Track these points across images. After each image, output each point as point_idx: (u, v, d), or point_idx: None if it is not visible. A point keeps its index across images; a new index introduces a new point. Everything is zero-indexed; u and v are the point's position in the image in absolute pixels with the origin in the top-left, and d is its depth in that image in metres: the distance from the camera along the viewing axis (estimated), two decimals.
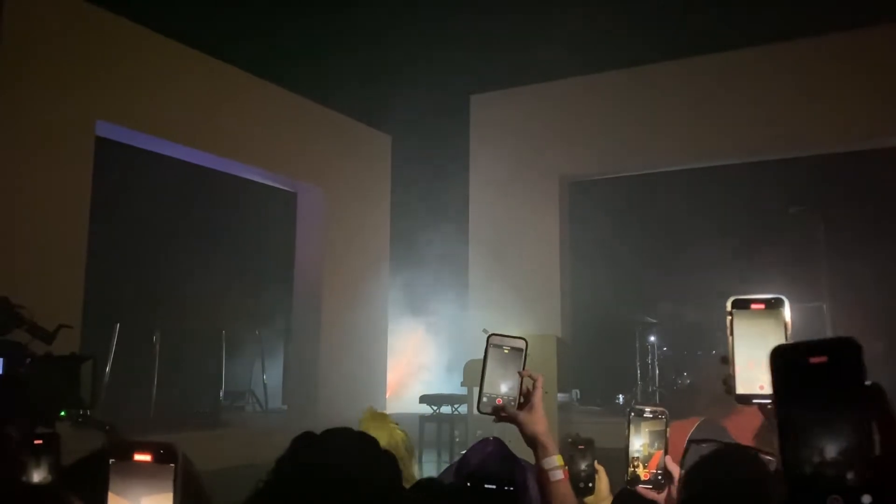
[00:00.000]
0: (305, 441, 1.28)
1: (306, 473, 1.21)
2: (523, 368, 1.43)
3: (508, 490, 0.90)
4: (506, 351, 1.44)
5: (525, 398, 1.43)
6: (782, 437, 0.55)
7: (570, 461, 1.65)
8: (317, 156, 8.67)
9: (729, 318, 1.03)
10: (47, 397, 1.76)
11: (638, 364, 8.18)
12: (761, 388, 1.00)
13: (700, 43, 7.64)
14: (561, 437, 5.28)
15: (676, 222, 8.05)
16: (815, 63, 7.44)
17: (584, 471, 1.66)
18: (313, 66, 7.98)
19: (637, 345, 8.21)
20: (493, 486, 0.90)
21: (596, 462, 1.71)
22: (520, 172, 8.75)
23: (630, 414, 1.52)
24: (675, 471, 1.51)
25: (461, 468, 1.70)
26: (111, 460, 0.89)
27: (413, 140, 9.51)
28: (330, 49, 7.84)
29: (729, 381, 1.01)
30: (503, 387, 1.43)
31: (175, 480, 0.87)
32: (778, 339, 1.01)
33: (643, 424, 1.51)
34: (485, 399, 1.42)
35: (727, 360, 1.02)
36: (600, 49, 7.58)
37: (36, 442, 1.38)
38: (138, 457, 0.88)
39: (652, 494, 1.51)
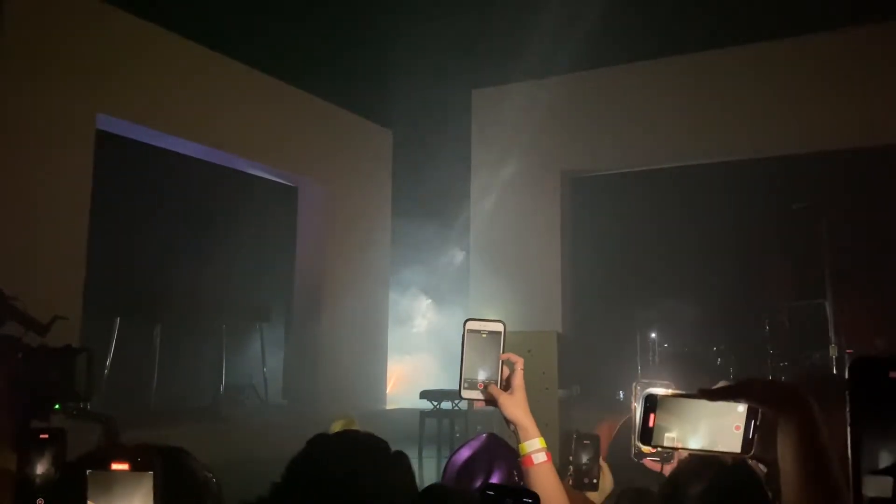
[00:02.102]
0: (319, 443, 1.26)
1: (320, 476, 1.19)
2: (502, 352, 1.41)
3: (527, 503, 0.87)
4: (484, 336, 1.41)
5: (507, 382, 1.41)
6: (855, 454, 0.52)
7: (574, 455, 1.64)
8: (318, 150, 8.65)
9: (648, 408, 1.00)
10: (41, 390, 1.75)
11: (639, 360, 8.16)
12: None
13: (702, 39, 7.61)
14: (562, 433, 5.27)
15: (678, 218, 8.02)
16: (820, 59, 7.41)
17: (585, 464, 1.64)
18: (314, 60, 7.96)
19: (638, 341, 8.19)
20: (511, 501, 0.87)
21: (602, 459, 1.69)
22: (521, 167, 8.73)
23: (636, 387, 1.49)
24: None
25: (450, 462, 1.69)
26: (88, 470, 0.86)
27: (414, 135, 9.48)
28: (331, 44, 7.82)
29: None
30: (483, 372, 1.41)
31: (155, 489, 0.85)
32: None
33: None
34: (466, 385, 1.40)
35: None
36: (603, 44, 7.54)
37: (42, 436, 1.36)
38: (116, 466, 0.86)
39: (657, 467, 1.49)
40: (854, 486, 0.50)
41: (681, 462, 1.33)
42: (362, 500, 1.19)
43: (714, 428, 0.98)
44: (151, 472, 0.86)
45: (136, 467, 0.87)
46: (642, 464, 1.51)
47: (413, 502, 1.21)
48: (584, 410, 8.07)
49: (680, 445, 1.00)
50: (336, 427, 1.70)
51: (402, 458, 1.31)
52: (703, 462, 1.26)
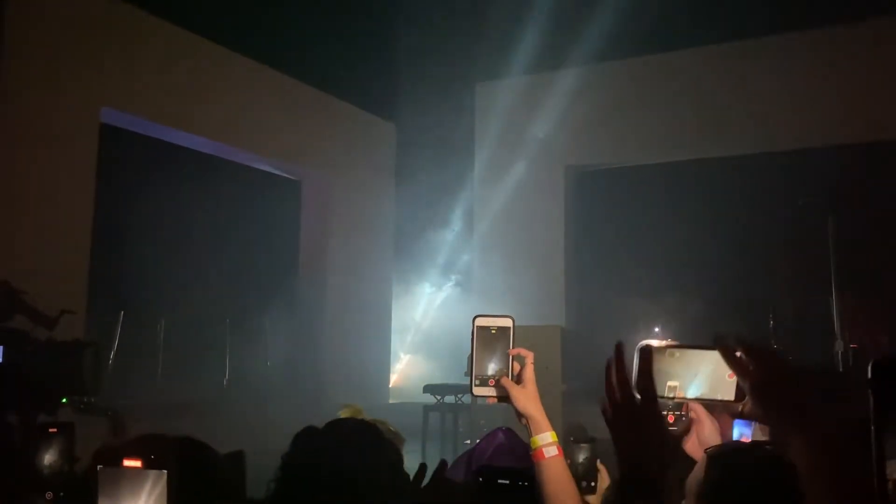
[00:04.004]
0: (306, 436, 1.26)
1: (310, 470, 1.19)
2: (511, 347, 1.42)
3: (523, 485, 0.87)
4: (493, 332, 1.42)
5: (518, 376, 1.42)
6: (879, 450, 0.53)
7: (570, 458, 1.64)
8: (321, 144, 8.65)
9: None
10: (48, 384, 1.74)
11: None
12: None
13: (709, 32, 7.57)
14: (564, 429, 5.27)
15: (682, 212, 7.99)
16: (829, 53, 7.37)
17: (581, 464, 1.65)
18: (319, 54, 7.94)
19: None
20: (507, 482, 0.86)
21: (598, 461, 1.69)
22: (525, 161, 8.71)
23: None
24: (700, 411, 1.51)
25: (473, 460, 1.69)
26: (99, 466, 0.84)
27: (418, 129, 9.47)
28: (336, 38, 7.80)
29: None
30: (494, 367, 1.41)
31: (168, 487, 0.81)
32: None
33: None
34: (477, 381, 1.41)
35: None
36: (607, 38, 7.52)
37: (51, 430, 1.36)
38: (128, 462, 0.83)
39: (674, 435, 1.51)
40: (878, 477, 0.51)
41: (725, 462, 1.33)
42: (348, 487, 1.20)
43: (711, 377, 1.03)
44: (165, 472, 0.83)
45: (150, 465, 0.84)
46: None
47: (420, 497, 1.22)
48: (590, 405, 8.05)
49: (681, 395, 1.04)
50: (344, 413, 1.70)
51: (390, 442, 1.31)
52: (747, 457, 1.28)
